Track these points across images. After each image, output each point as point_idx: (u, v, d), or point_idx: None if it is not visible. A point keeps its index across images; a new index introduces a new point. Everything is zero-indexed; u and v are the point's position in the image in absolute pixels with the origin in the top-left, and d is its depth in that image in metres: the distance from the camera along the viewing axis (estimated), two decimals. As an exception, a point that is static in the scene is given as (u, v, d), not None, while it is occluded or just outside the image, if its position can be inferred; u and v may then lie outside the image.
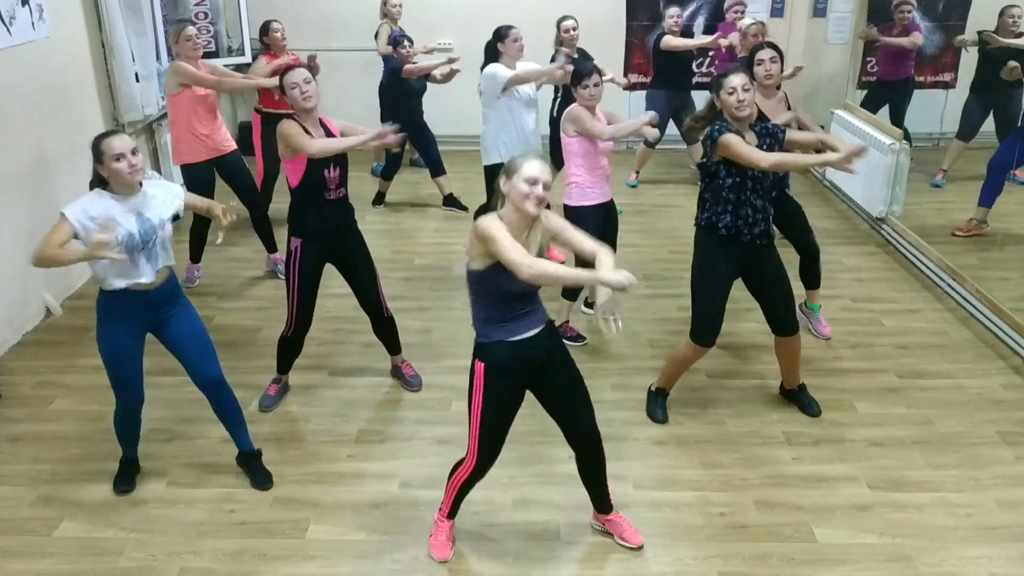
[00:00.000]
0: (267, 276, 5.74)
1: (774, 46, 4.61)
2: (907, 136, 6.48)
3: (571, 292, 4.82)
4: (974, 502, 3.55)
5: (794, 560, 3.24)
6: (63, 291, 5.34)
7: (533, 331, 2.99)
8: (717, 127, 3.65)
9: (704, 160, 3.77)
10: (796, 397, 4.20)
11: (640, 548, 3.26)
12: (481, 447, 3.09)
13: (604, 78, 4.71)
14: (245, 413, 3.67)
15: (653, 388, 4.19)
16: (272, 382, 4.29)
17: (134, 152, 3.13)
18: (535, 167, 2.82)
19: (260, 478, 3.64)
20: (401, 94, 6.66)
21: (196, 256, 5.67)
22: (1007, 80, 6.18)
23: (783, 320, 3.98)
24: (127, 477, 3.63)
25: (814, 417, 4.11)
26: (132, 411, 3.49)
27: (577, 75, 4.57)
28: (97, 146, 3.13)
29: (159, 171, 6.49)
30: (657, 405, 4.15)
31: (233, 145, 5.56)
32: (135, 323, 3.33)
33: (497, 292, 2.91)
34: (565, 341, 4.90)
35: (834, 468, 3.77)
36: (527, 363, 3.01)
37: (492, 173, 5.58)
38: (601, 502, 3.33)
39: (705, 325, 3.92)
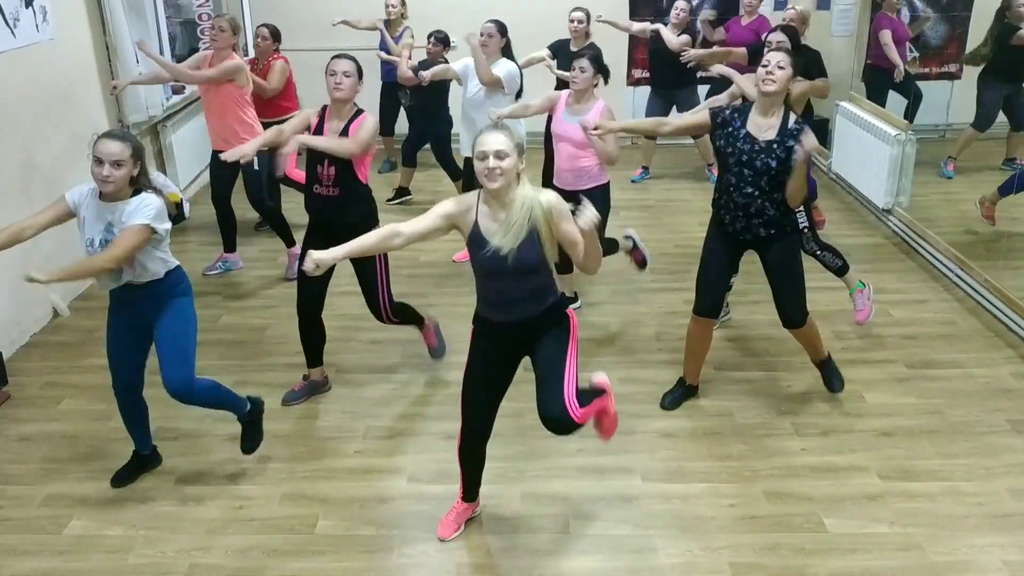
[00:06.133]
0: (276, 277, 5.75)
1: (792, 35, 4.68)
2: None
3: (564, 267, 4.84)
4: (985, 491, 3.53)
5: (804, 550, 3.23)
6: (70, 292, 5.34)
7: (507, 320, 2.99)
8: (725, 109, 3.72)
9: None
10: (821, 369, 4.21)
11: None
12: (463, 408, 3.14)
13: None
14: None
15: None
16: (301, 377, 4.33)
17: (116, 164, 3.07)
18: (484, 140, 2.78)
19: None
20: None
21: (231, 245, 5.80)
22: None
23: (785, 313, 3.97)
24: (126, 471, 3.65)
25: (835, 392, 4.11)
26: (118, 397, 3.53)
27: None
28: (94, 142, 3.14)
29: (164, 172, 6.50)
30: (671, 392, 4.19)
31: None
32: (121, 318, 3.41)
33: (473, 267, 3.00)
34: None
35: (844, 458, 3.75)
36: (502, 340, 3.04)
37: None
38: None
39: (698, 292, 4.01)
